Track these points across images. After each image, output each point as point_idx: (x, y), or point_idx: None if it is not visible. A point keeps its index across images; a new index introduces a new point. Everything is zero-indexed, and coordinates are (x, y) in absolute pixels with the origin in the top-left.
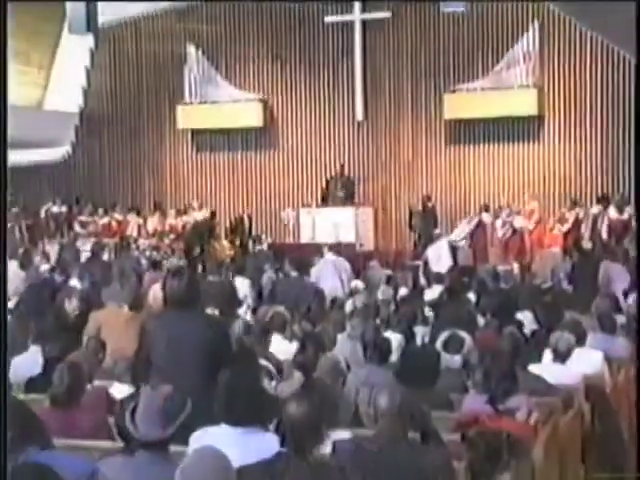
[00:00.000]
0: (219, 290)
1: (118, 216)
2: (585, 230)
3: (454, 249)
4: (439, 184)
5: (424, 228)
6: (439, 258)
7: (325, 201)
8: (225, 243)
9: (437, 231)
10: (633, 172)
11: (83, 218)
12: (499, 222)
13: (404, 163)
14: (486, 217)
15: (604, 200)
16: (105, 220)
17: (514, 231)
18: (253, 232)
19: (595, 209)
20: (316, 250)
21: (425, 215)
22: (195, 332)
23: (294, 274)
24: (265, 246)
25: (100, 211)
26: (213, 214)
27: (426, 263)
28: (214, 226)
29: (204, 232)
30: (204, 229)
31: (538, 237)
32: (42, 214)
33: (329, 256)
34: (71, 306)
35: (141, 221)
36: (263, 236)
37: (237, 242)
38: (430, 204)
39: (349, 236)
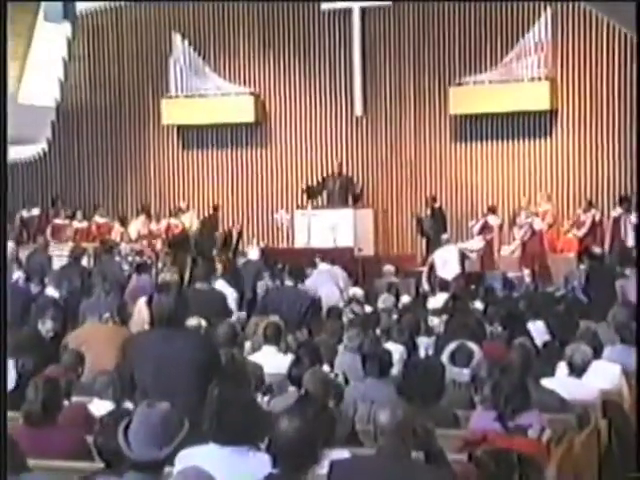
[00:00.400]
0: (207, 299)
1: (99, 219)
2: (605, 234)
3: (462, 255)
4: (444, 184)
5: (432, 232)
6: (445, 263)
7: (310, 199)
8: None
9: (446, 235)
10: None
11: (59, 221)
12: (518, 224)
13: (406, 161)
14: (493, 219)
15: (626, 201)
16: (84, 224)
17: (533, 234)
18: (241, 245)
19: (616, 211)
20: (312, 255)
21: (433, 218)
22: (185, 352)
23: (288, 282)
24: (256, 253)
25: (78, 214)
26: (216, 209)
27: (431, 269)
28: (218, 223)
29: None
30: (210, 227)
31: (551, 241)
32: (17, 218)
33: (323, 266)
34: (44, 327)
35: (123, 229)
36: (254, 241)
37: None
38: (436, 205)
39: (347, 240)
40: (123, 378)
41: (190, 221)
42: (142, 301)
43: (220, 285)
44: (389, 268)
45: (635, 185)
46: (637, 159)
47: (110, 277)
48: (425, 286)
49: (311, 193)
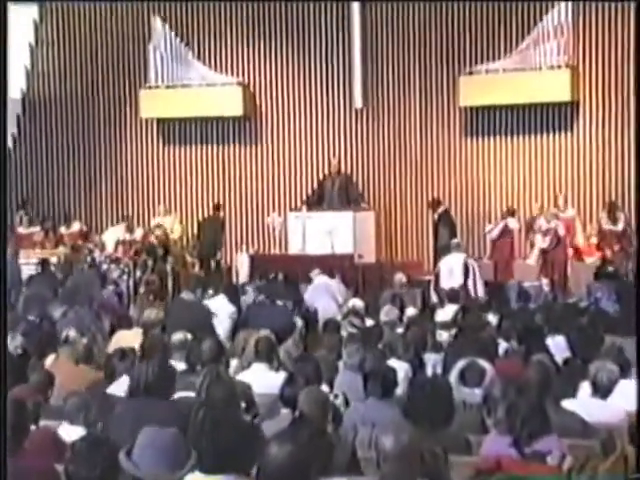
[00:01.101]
0: (192, 312)
1: (70, 229)
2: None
3: (466, 264)
4: (453, 184)
5: (440, 240)
6: (451, 273)
7: (311, 204)
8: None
9: (456, 240)
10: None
11: (22, 230)
12: (538, 228)
13: (412, 159)
14: (512, 223)
15: None
16: (53, 233)
17: (558, 240)
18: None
19: None
20: (308, 262)
21: (439, 224)
22: (166, 424)
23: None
24: (245, 260)
25: (47, 222)
26: (217, 208)
27: (437, 278)
28: (221, 223)
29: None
30: (216, 227)
31: (572, 247)
32: None
33: (319, 279)
34: (13, 343)
35: (97, 236)
36: (244, 247)
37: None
38: (441, 209)
39: (346, 246)
40: (96, 400)
41: (171, 226)
42: (121, 335)
43: (220, 301)
44: (400, 277)
45: None
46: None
47: (84, 290)
48: (433, 297)
49: (311, 202)
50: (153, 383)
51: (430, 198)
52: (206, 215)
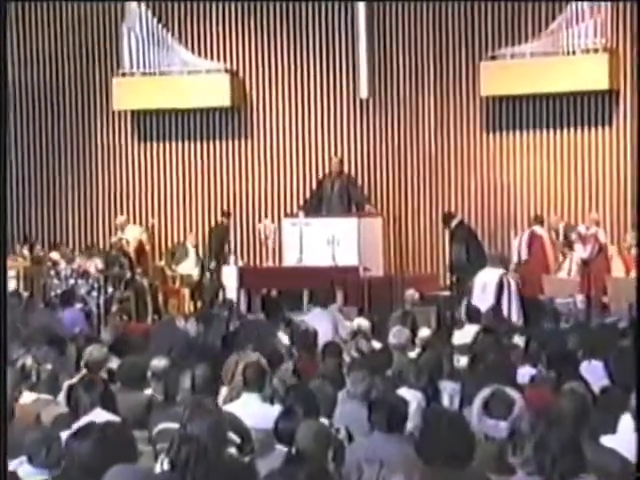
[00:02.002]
0: (171, 335)
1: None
2: None
3: (501, 281)
4: (473, 186)
5: (453, 254)
6: (484, 289)
7: (309, 209)
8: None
9: (494, 252)
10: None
11: None
12: (580, 236)
13: (425, 157)
14: (540, 231)
15: None
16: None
17: (599, 249)
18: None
19: None
20: (305, 276)
21: (453, 237)
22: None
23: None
24: (232, 273)
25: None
26: (226, 215)
27: (457, 293)
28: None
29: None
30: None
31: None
32: None
33: (316, 310)
34: None
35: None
36: (231, 258)
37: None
38: (455, 222)
39: (349, 257)
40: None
41: (138, 236)
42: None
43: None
44: (412, 293)
45: None
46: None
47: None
48: (462, 318)
49: (310, 207)
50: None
51: (445, 210)
52: (215, 222)
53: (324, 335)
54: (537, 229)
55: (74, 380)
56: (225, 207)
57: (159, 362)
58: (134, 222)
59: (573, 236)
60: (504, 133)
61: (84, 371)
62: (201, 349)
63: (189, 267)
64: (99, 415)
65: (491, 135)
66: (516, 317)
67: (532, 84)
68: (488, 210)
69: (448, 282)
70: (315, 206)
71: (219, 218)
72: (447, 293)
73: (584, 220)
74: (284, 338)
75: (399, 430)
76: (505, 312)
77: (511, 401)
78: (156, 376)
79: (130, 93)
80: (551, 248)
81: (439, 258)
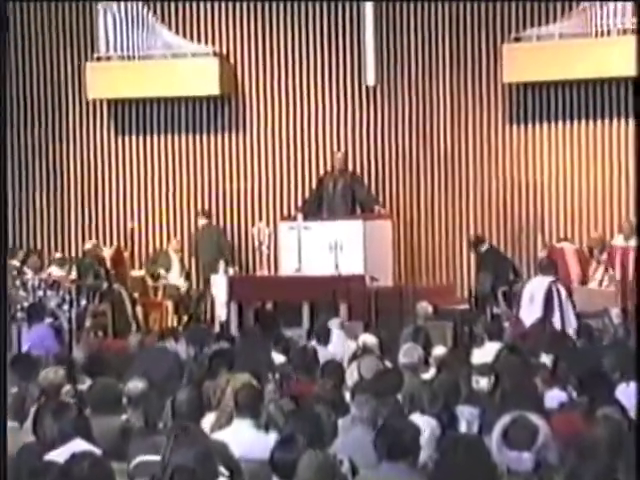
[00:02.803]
0: (152, 354)
1: None
2: None
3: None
4: (495, 185)
5: (479, 282)
6: (532, 300)
7: (308, 210)
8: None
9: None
10: None
11: None
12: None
13: (440, 152)
14: (562, 244)
15: None
16: None
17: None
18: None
19: None
20: (304, 287)
21: (480, 264)
22: None
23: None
24: (222, 283)
25: None
26: (206, 214)
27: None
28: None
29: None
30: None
31: None
32: None
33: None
34: None
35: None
36: (221, 265)
37: None
38: (484, 247)
39: (355, 265)
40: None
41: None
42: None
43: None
44: (425, 307)
45: None
46: None
47: None
48: (507, 334)
49: (309, 208)
50: None
51: (470, 236)
52: (194, 226)
53: (325, 353)
54: (566, 245)
55: (41, 405)
56: (209, 207)
57: (137, 384)
58: (109, 235)
59: (604, 256)
60: (530, 125)
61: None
62: (185, 369)
63: (173, 277)
64: (78, 446)
65: (515, 127)
66: (572, 330)
67: (561, 69)
68: (512, 213)
69: (466, 294)
70: (315, 207)
71: (200, 221)
72: (465, 306)
73: (621, 227)
74: (279, 357)
75: (410, 461)
76: (558, 325)
77: (534, 428)
78: (134, 400)
79: (106, 80)
80: (575, 260)
81: (456, 266)
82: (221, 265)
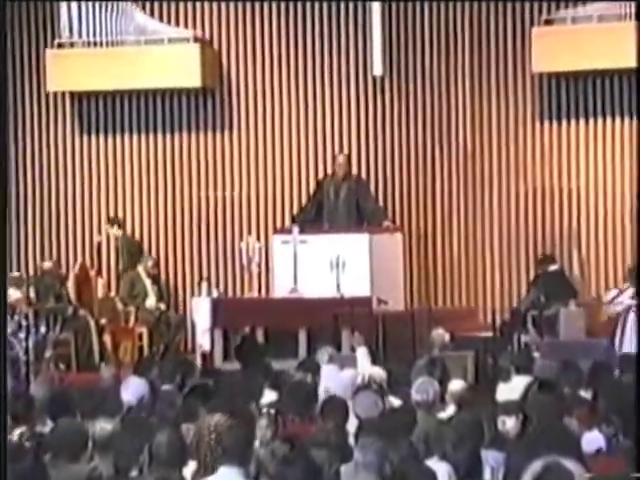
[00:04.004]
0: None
1: None
2: None
3: None
4: (523, 190)
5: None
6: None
7: (305, 221)
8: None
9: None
10: None
11: None
12: None
13: (458, 154)
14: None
15: None
16: None
17: None
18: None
19: None
20: (300, 311)
21: (542, 283)
22: None
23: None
24: (205, 307)
25: None
26: (116, 223)
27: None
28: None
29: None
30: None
31: None
32: None
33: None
34: None
35: None
36: (204, 286)
37: None
38: (553, 268)
39: (360, 285)
40: None
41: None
42: None
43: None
44: (442, 334)
45: None
46: None
47: None
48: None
49: (306, 219)
50: None
51: (541, 255)
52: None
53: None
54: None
55: None
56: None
57: (106, 426)
58: (72, 251)
59: None
60: (564, 122)
61: None
62: (162, 409)
63: (148, 301)
64: None
65: (546, 125)
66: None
67: (601, 57)
68: (543, 223)
69: (489, 319)
70: (313, 218)
71: (112, 231)
72: (488, 334)
73: None
74: (271, 393)
75: None
76: (616, 345)
77: (570, 476)
78: (102, 444)
79: (69, 70)
80: None
81: (477, 287)
82: (203, 286)
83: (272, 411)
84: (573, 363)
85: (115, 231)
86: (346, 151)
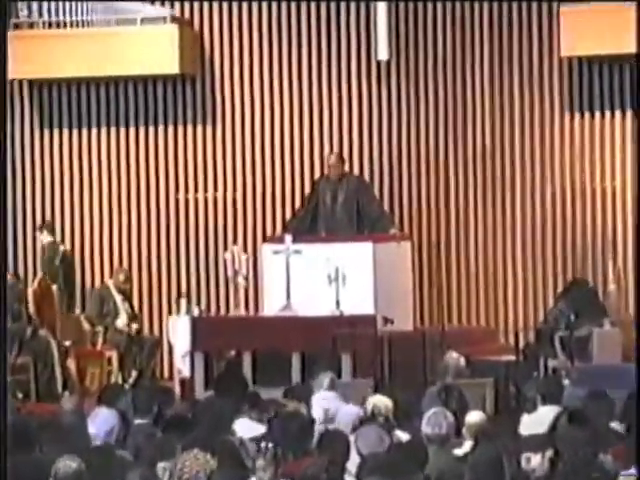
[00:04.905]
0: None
1: None
2: None
3: None
4: (550, 192)
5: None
6: None
7: (299, 228)
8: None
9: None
10: None
11: None
12: None
13: (475, 150)
14: None
15: None
16: None
17: None
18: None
19: None
20: (296, 331)
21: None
22: None
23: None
24: (184, 326)
25: None
26: (47, 228)
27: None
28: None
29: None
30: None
31: None
32: None
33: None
34: None
35: None
36: (182, 303)
37: None
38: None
39: (362, 302)
40: None
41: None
42: None
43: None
44: (456, 358)
45: None
46: None
47: None
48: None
49: (299, 225)
50: None
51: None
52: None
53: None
54: None
55: None
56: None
57: (70, 463)
58: (31, 263)
59: None
60: (597, 113)
61: None
62: (134, 445)
63: (119, 320)
64: None
65: (577, 117)
66: None
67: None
68: (573, 230)
69: (512, 340)
70: (309, 224)
71: (43, 238)
72: (510, 357)
73: None
74: (259, 427)
75: None
76: None
77: None
78: None
79: (28, 54)
80: None
81: (498, 303)
82: (182, 303)
83: (270, 447)
84: (606, 392)
85: (44, 237)
86: (347, 147)
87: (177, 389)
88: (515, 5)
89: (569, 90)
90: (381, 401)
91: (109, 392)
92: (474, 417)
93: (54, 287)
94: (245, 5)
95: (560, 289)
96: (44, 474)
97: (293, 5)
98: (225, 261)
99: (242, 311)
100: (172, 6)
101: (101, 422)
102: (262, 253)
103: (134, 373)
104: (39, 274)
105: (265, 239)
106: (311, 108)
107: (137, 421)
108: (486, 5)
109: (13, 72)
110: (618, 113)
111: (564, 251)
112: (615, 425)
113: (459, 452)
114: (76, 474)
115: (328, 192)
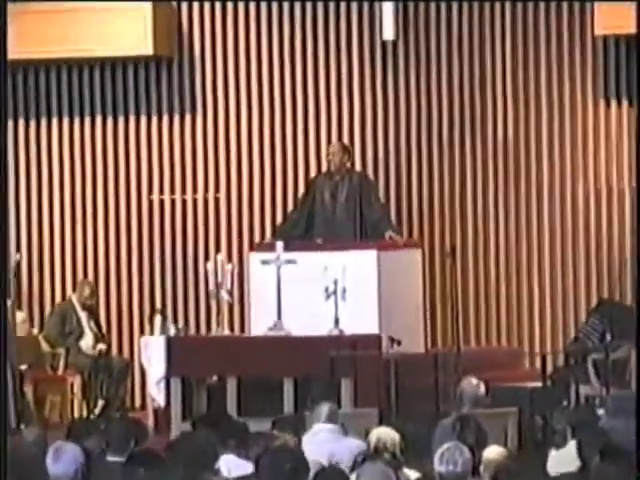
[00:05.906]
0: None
1: None
2: None
3: None
4: (581, 191)
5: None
6: None
7: (291, 234)
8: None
9: None
10: None
11: None
12: None
13: (495, 142)
14: None
15: None
16: None
17: None
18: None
19: None
20: (289, 353)
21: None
22: None
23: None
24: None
25: None
26: None
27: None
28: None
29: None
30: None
31: None
32: None
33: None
34: None
35: None
36: (157, 320)
37: None
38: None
39: (365, 319)
40: None
41: None
42: None
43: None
44: (474, 384)
45: None
46: None
47: None
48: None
49: (292, 230)
50: None
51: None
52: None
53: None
54: None
55: None
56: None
57: None
58: None
59: None
60: (635, 102)
61: None
62: None
63: (84, 341)
64: None
65: (613, 105)
66: None
67: None
68: (609, 235)
69: (538, 364)
70: (303, 229)
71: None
72: (536, 384)
73: None
74: (246, 465)
75: None
76: None
77: None
78: None
79: None
80: None
81: (522, 321)
82: (156, 321)
83: None
84: None
85: None
86: (347, 139)
87: (150, 420)
88: None
89: (604, 76)
90: (387, 434)
91: (73, 425)
92: (494, 453)
93: (8, 302)
94: None
95: (594, 305)
96: None
97: None
98: (206, 272)
99: (226, 330)
100: None
101: (64, 460)
102: (249, 263)
103: (100, 402)
104: None
105: (252, 247)
106: (305, 97)
107: (110, 459)
108: None
109: None
110: None
111: (598, 261)
112: None
113: None
114: None
115: (327, 190)
